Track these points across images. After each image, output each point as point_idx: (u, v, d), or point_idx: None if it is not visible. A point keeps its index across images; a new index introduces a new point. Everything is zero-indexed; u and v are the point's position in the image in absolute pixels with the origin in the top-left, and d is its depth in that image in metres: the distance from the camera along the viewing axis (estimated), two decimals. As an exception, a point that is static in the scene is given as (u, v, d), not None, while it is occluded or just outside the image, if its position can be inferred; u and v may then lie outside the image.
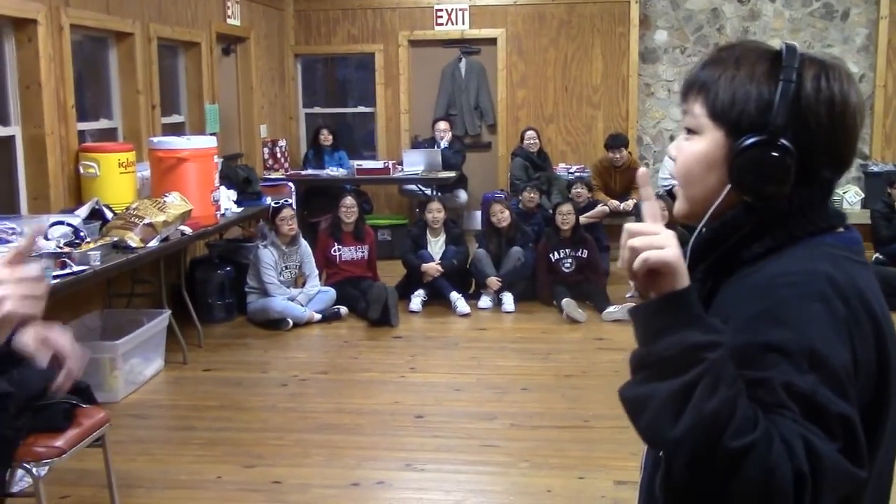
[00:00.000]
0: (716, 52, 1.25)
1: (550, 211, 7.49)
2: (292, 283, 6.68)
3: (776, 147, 1.14)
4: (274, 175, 8.67)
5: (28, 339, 1.29)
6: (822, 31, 9.06)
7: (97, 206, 5.29)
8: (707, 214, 1.22)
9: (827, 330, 1.08)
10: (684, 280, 1.06)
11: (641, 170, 1.21)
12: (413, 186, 8.93)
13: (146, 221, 5.00)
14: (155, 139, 5.97)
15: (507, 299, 6.84)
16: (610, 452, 4.16)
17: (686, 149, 1.24)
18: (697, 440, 1.00)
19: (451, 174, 8.66)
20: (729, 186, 1.18)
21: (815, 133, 1.17)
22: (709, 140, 1.21)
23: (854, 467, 1.04)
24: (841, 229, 1.22)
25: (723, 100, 1.19)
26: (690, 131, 1.24)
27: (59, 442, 3.16)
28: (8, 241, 4.37)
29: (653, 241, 1.06)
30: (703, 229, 1.23)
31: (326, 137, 9.00)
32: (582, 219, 7.30)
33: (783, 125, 1.15)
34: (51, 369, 1.33)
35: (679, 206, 1.27)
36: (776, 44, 1.22)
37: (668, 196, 7.09)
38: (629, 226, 1.08)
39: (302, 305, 6.47)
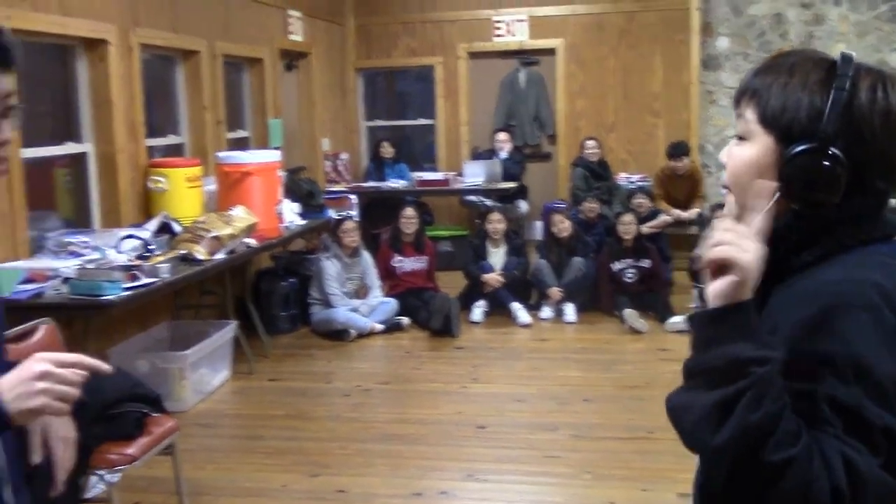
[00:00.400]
0: (771, 59, 1.26)
1: (612, 220, 7.46)
2: (354, 294, 6.75)
3: (826, 155, 1.14)
4: (336, 188, 8.78)
5: (35, 435, 1.47)
6: (890, 35, 8.85)
7: (165, 220, 5.42)
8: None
9: (873, 340, 1.07)
10: (748, 293, 1.08)
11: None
12: (473, 197, 8.96)
13: (213, 234, 5.11)
14: (221, 154, 6.11)
15: (569, 310, 6.82)
16: (674, 464, 4.11)
17: (736, 154, 1.24)
18: (738, 450, 1.02)
19: (512, 185, 8.67)
20: (778, 194, 1.18)
21: (868, 143, 1.16)
22: (759, 146, 1.21)
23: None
24: None
25: (774, 106, 1.19)
26: (741, 137, 1.24)
27: (131, 449, 3.25)
28: (81, 255, 4.52)
29: (741, 241, 1.09)
30: None
31: (387, 150, 9.10)
32: (644, 228, 7.24)
33: (834, 134, 1.14)
34: (124, 377, 1.44)
35: (727, 211, 1.28)
36: (839, 49, 1.22)
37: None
38: (729, 222, 1.11)
39: (364, 316, 6.53)
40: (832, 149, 1.14)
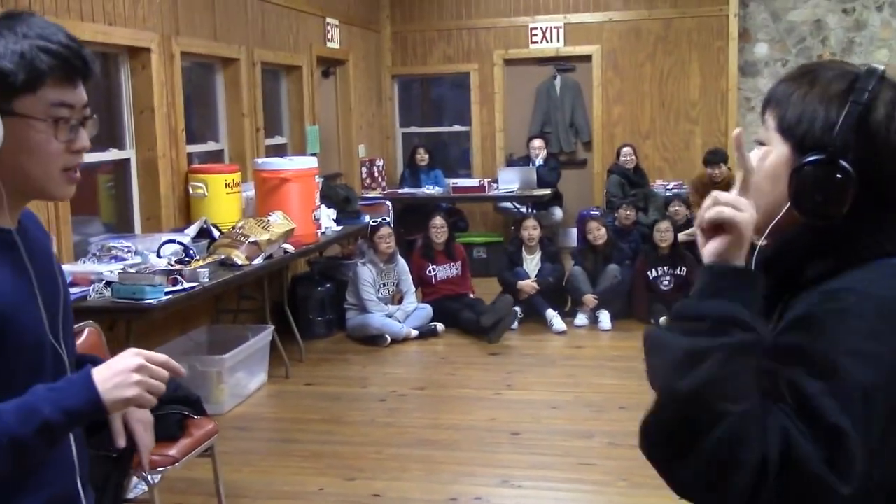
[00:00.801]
0: (797, 69, 1.28)
1: (647, 228, 7.43)
2: (390, 300, 6.80)
3: (834, 167, 1.14)
4: (372, 194, 8.84)
5: (117, 419, 1.57)
6: (933, 41, 8.74)
7: (205, 226, 5.50)
8: (766, 233, 1.23)
9: (859, 347, 1.07)
10: (741, 256, 1.12)
11: (737, 130, 1.24)
12: (508, 204, 8.98)
13: (251, 240, 5.18)
14: (259, 160, 6.19)
15: (604, 317, 6.80)
16: (710, 473, 4.09)
17: (755, 160, 1.25)
18: (696, 399, 1.05)
19: (547, 191, 8.68)
20: (788, 204, 1.19)
21: (882, 158, 1.16)
22: (776, 153, 1.23)
23: (836, 479, 1.02)
24: None
25: (791, 116, 1.21)
26: (762, 143, 1.26)
27: (173, 451, 3.30)
28: (123, 259, 4.60)
29: (737, 202, 1.12)
30: (767, 243, 1.24)
31: (423, 157, 9.14)
32: (680, 237, 7.20)
33: (844, 146, 1.15)
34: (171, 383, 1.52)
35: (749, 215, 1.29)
36: (881, 56, 1.23)
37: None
38: (718, 193, 1.14)
39: (399, 322, 6.57)
40: (841, 161, 1.14)
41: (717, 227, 1.12)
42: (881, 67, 1.20)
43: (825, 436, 1.03)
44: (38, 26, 1.37)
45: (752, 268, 1.20)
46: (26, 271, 1.45)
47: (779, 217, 1.21)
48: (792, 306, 1.19)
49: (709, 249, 1.13)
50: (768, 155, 1.24)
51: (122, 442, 1.62)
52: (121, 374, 1.37)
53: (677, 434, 1.07)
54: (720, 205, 1.12)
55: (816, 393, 1.05)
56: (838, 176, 1.14)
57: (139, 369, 1.38)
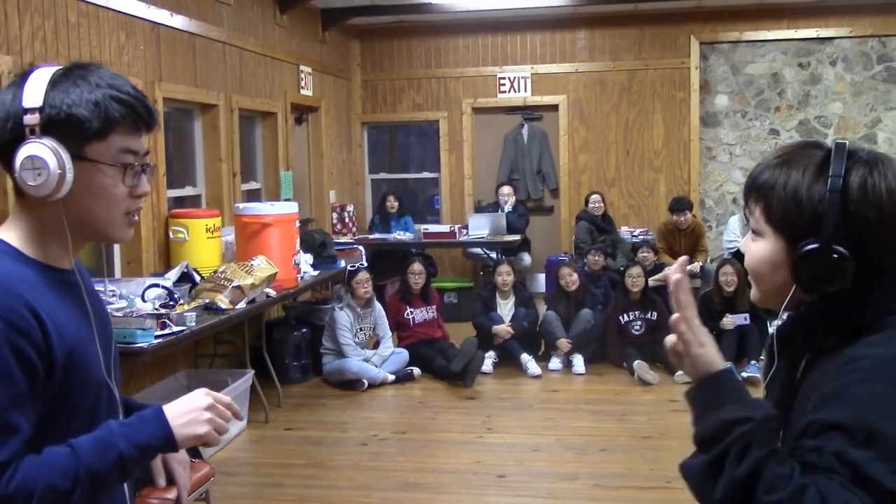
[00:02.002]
0: (773, 156, 1.37)
1: (616, 273, 7.58)
2: (366, 345, 6.82)
3: (831, 254, 1.24)
4: (342, 239, 8.88)
5: (157, 459, 1.65)
6: (885, 94, 9.11)
7: (186, 270, 5.50)
8: (783, 308, 1.35)
9: (889, 408, 1.16)
10: (716, 361, 1.26)
11: (676, 277, 1.32)
12: (478, 250, 9.09)
13: (235, 284, 5.19)
14: (241, 205, 6.22)
15: (578, 361, 6.90)
16: (695, 513, 4.17)
17: (752, 250, 1.37)
18: (734, 499, 1.16)
19: (516, 237, 8.80)
20: (795, 286, 1.30)
21: (867, 233, 1.26)
22: (771, 244, 1.33)
23: None
24: None
25: (777, 209, 1.31)
26: (755, 232, 1.37)
27: (172, 494, 3.28)
28: (109, 303, 4.58)
29: (700, 337, 1.27)
30: (784, 317, 1.38)
31: (392, 204, 9.23)
32: (650, 281, 7.35)
33: (834, 233, 1.25)
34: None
35: (754, 295, 1.41)
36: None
37: (735, 258, 7.13)
38: (670, 338, 1.30)
39: (376, 366, 6.59)
40: (836, 247, 1.24)
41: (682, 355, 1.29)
42: (845, 142, 1.30)
43: (886, 499, 1.12)
44: (108, 76, 1.44)
45: (775, 340, 1.36)
46: (86, 311, 1.49)
47: (789, 297, 1.32)
48: (817, 368, 1.29)
49: (686, 372, 1.30)
50: (763, 245, 1.35)
51: (162, 482, 1.66)
52: (193, 411, 1.44)
53: None
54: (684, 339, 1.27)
55: (865, 461, 1.13)
56: (835, 257, 1.24)
57: (210, 408, 1.45)
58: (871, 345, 1.23)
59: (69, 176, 1.37)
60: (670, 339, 1.30)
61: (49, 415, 1.37)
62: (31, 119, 1.37)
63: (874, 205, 1.25)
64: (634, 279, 7.04)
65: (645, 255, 7.90)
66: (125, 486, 1.56)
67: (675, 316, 1.28)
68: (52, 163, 1.36)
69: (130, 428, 1.40)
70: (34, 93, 1.38)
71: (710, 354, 1.26)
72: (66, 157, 1.37)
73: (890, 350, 1.22)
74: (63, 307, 1.41)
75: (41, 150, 1.36)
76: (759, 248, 1.34)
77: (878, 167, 1.28)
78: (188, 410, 1.44)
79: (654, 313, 7.03)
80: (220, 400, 1.48)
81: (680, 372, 6.44)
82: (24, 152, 1.36)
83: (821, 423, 1.18)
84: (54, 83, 1.39)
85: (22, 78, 1.41)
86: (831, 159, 1.27)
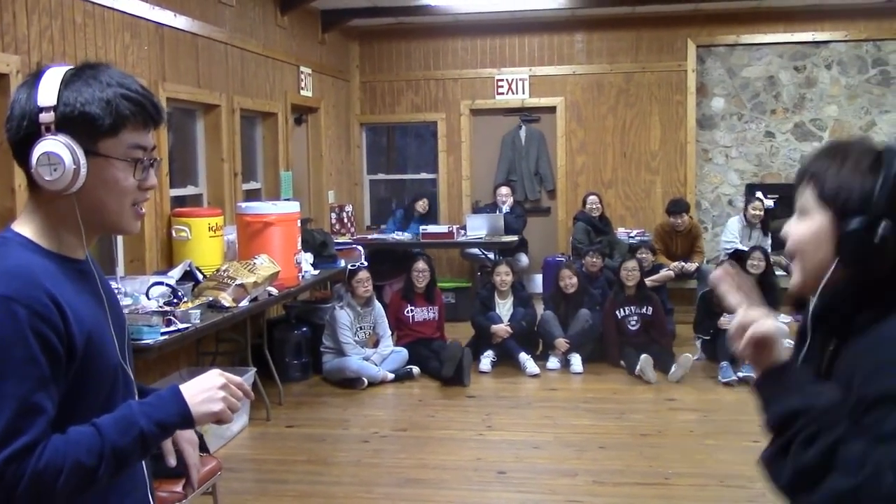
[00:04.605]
0: (827, 146, 1.47)
1: (613, 273, 7.64)
2: (366, 343, 6.87)
3: (877, 229, 1.33)
4: (341, 239, 8.92)
5: (168, 440, 1.69)
6: (880, 98, 9.19)
7: (189, 268, 5.54)
8: (818, 290, 1.42)
9: None
10: (781, 353, 1.33)
11: (715, 274, 1.44)
12: (476, 250, 9.14)
13: (238, 282, 5.24)
14: (243, 204, 6.27)
15: (576, 360, 6.96)
16: (694, 509, 4.24)
17: (797, 228, 1.45)
18: (802, 484, 1.23)
19: (513, 238, 8.86)
20: (837, 261, 1.38)
21: None
22: (818, 221, 1.41)
23: None
24: None
25: (830, 187, 1.40)
26: (802, 212, 1.45)
27: (179, 487, 3.33)
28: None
29: (756, 321, 1.35)
30: (818, 299, 1.44)
31: (424, 205, 9.25)
32: (647, 282, 7.43)
33: (884, 210, 1.33)
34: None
35: (794, 279, 1.48)
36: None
37: (734, 260, 7.20)
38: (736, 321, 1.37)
39: (376, 365, 6.65)
40: (883, 223, 1.33)
41: (756, 345, 1.35)
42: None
43: None
44: (118, 76, 1.51)
45: (809, 319, 1.43)
46: (101, 299, 1.56)
47: (828, 276, 1.39)
48: (848, 349, 1.37)
49: (757, 363, 1.36)
50: (809, 223, 1.42)
51: (172, 461, 1.72)
52: (208, 390, 1.51)
53: None
54: (755, 322, 1.34)
55: None
56: (881, 235, 1.33)
57: (224, 387, 1.53)
58: None
59: (83, 170, 1.44)
60: (735, 328, 1.37)
61: (71, 397, 1.43)
62: (47, 117, 1.43)
63: None
64: (629, 272, 7.12)
65: (643, 255, 7.96)
66: (144, 466, 1.63)
67: (740, 312, 1.37)
68: (68, 158, 1.42)
69: (150, 407, 1.47)
70: (48, 92, 1.44)
71: (774, 348, 1.35)
72: (80, 152, 1.43)
73: None
74: (79, 295, 1.48)
75: (57, 147, 1.42)
76: (804, 226, 1.42)
77: None
78: (203, 389, 1.51)
79: (650, 308, 7.11)
80: (233, 380, 1.55)
81: (675, 371, 6.53)
82: (40, 148, 1.43)
83: (873, 397, 1.25)
84: (67, 82, 1.46)
85: (35, 78, 1.47)
86: (885, 154, 1.38)
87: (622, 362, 6.87)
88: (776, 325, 1.33)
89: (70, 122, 1.44)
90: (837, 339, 1.40)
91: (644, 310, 7.10)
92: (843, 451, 1.21)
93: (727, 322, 6.67)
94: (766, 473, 1.32)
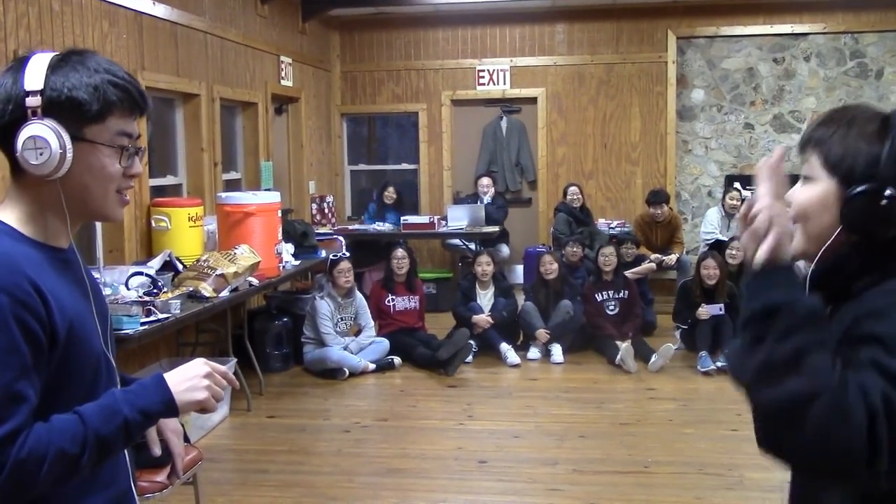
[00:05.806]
0: (830, 113, 1.47)
1: (593, 263, 7.68)
2: (348, 334, 6.87)
3: (882, 195, 1.34)
4: (321, 230, 8.90)
5: (153, 430, 1.70)
6: (857, 90, 9.26)
7: (169, 258, 5.52)
8: (819, 255, 1.42)
9: None
10: (787, 253, 1.31)
11: (766, 159, 1.39)
12: (457, 241, 9.15)
13: (218, 272, 5.23)
14: (223, 195, 6.24)
15: (556, 350, 6.99)
16: (672, 496, 4.28)
17: (801, 193, 1.45)
18: (766, 378, 1.21)
19: (495, 229, 8.87)
20: (841, 227, 1.38)
21: None
22: (823, 186, 1.41)
23: None
24: None
25: (836, 153, 1.40)
26: (807, 178, 1.45)
27: (161, 477, 3.33)
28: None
29: (781, 209, 1.33)
30: (817, 264, 1.43)
31: (391, 195, 9.23)
32: (629, 274, 7.49)
33: (889, 177, 1.34)
34: None
35: (796, 244, 1.46)
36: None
37: (715, 250, 7.25)
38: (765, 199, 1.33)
39: (353, 354, 6.64)
40: (888, 189, 1.34)
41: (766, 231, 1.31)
42: None
43: None
44: (104, 62, 1.51)
45: (807, 283, 1.40)
46: (84, 287, 1.55)
47: (830, 241, 1.40)
48: (835, 317, 1.37)
49: (764, 250, 1.30)
50: (814, 188, 1.42)
51: (157, 450, 1.73)
52: (192, 378, 1.51)
53: (784, 425, 1.21)
54: (769, 212, 1.31)
55: None
56: (885, 201, 1.34)
57: (208, 375, 1.53)
58: None
59: (69, 155, 1.43)
60: (750, 212, 1.33)
61: (53, 385, 1.42)
62: (33, 101, 1.43)
63: None
64: (607, 258, 7.21)
65: (627, 250, 8.03)
66: (126, 455, 1.63)
67: (764, 196, 1.32)
68: (54, 143, 1.42)
69: (134, 395, 1.46)
70: (35, 76, 1.43)
71: (786, 245, 1.31)
72: (66, 137, 1.43)
73: None
74: (62, 283, 1.47)
75: (43, 131, 1.41)
76: (810, 190, 1.42)
77: None
78: (187, 378, 1.51)
79: (626, 292, 7.23)
80: (217, 369, 1.55)
81: (655, 361, 6.58)
82: (26, 132, 1.42)
83: (859, 335, 1.26)
84: (54, 67, 1.45)
85: (20, 63, 1.46)
86: (892, 118, 1.38)
87: (604, 351, 6.90)
88: (791, 223, 1.32)
89: (57, 106, 1.43)
90: (832, 304, 1.40)
91: (622, 294, 7.20)
92: (815, 357, 1.20)
93: (706, 312, 6.76)
94: (730, 366, 1.29)
